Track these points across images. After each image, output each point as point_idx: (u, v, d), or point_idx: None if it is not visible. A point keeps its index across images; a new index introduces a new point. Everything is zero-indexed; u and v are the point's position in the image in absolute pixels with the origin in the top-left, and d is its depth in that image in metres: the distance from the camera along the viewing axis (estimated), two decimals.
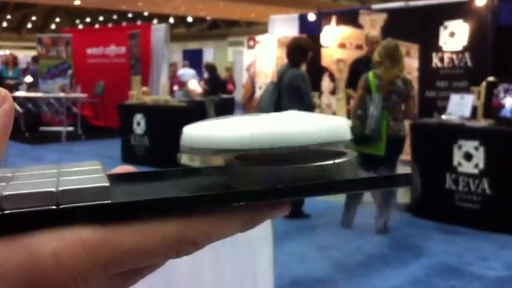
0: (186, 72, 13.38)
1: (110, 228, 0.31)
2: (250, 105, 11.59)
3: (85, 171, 0.34)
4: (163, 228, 0.32)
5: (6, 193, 0.29)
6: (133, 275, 0.34)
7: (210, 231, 0.33)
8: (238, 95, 13.93)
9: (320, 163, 0.35)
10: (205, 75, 13.39)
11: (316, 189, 0.34)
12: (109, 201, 0.31)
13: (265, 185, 0.33)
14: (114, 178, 0.35)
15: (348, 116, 5.68)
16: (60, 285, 0.29)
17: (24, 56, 19.03)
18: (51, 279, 0.29)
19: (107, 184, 0.31)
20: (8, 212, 0.29)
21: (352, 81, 6.06)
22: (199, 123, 0.37)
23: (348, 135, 0.37)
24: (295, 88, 5.11)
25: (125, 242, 0.31)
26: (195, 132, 0.36)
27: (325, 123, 0.36)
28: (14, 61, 13.13)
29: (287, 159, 0.35)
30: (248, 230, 0.36)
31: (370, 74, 4.82)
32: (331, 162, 0.35)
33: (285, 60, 5.67)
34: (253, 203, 0.33)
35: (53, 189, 0.30)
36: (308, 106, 5.10)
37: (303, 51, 5.27)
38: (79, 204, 0.30)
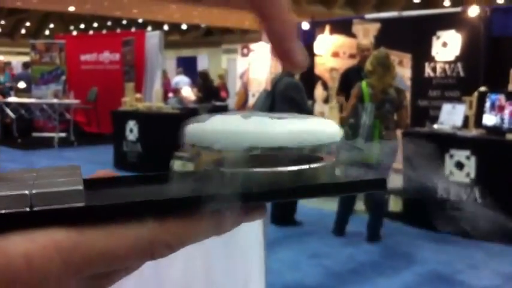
0: (181, 80, 13.39)
1: (84, 231, 0.31)
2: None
3: (62, 174, 0.34)
4: (137, 231, 0.32)
5: None
6: (108, 278, 0.34)
7: (184, 234, 0.34)
8: (232, 102, 13.94)
9: (295, 167, 0.35)
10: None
11: (289, 193, 0.34)
12: (82, 204, 0.31)
13: (240, 189, 0.33)
14: (93, 182, 0.36)
15: (341, 124, 5.70)
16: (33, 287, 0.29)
17: (18, 61, 18.98)
18: (23, 281, 0.29)
19: (81, 187, 0.31)
20: None
21: (342, 89, 6.08)
22: (200, 121, 0.38)
23: (337, 137, 0.38)
24: (288, 97, 5.12)
25: (98, 245, 0.31)
26: (194, 129, 0.37)
27: (316, 126, 0.37)
28: (2, 67, 13.14)
29: (263, 164, 0.35)
30: (223, 234, 0.36)
31: (364, 83, 4.85)
32: (307, 166, 0.35)
33: (279, 68, 5.68)
34: (227, 206, 0.34)
35: (27, 192, 0.30)
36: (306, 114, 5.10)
37: None
38: (52, 206, 0.30)
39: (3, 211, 0.29)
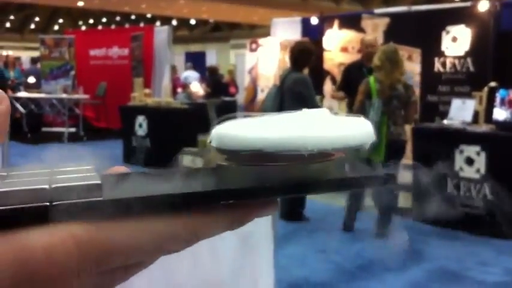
0: (191, 75, 13.40)
1: (102, 225, 0.31)
2: (252, 108, 11.59)
3: (77, 170, 0.35)
4: (153, 226, 0.32)
5: (1, 190, 0.30)
6: (123, 272, 0.35)
7: (198, 229, 0.34)
8: (240, 97, 13.94)
9: (306, 163, 0.35)
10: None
11: (300, 188, 0.35)
12: (100, 198, 0.31)
13: (252, 184, 0.34)
14: (108, 178, 0.36)
15: None
16: (51, 281, 0.29)
17: (27, 56, 19.09)
18: (42, 275, 0.29)
19: (99, 182, 0.31)
20: (1, 208, 0.29)
21: (344, 86, 6.03)
22: (230, 123, 0.38)
23: (367, 138, 0.38)
24: (297, 92, 5.11)
25: (116, 239, 0.31)
26: (224, 132, 0.37)
27: (350, 129, 0.38)
28: (13, 62, 13.22)
29: (275, 160, 0.35)
30: (237, 228, 0.36)
31: (371, 79, 4.82)
32: (317, 163, 0.36)
33: (288, 63, 5.66)
34: (240, 201, 0.34)
35: (46, 186, 0.30)
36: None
37: (309, 55, 5.28)
38: (71, 201, 0.30)
39: (23, 205, 0.30)
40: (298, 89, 5.11)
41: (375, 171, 0.37)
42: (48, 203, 0.30)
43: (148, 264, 0.36)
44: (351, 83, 5.51)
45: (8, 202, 0.29)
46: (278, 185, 0.34)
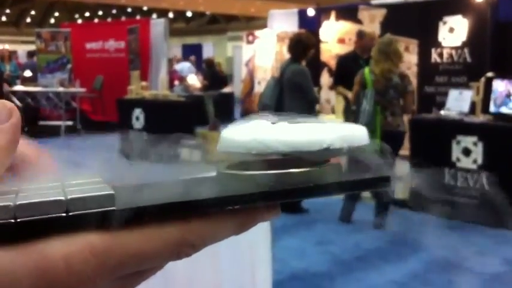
0: (184, 66, 13.37)
1: (116, 234, 0.32)
2: (249, 100, 11.58)
3: (88, 182, 0.36)
4: (165, 232, 0.33)
5: (19, 202, 0.30)
6: (135, 277, 0.36)
7: (207, 234, 0.35)
8: (237, 90, 13.92)
9: (305, 169, 0.37)
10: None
11: (301, 192, 0.37)
12: (114, 208, 0.32)
13: (258, 190, 0.36)
14: (118, 188, 0.37)
15: (345, 111, 5.68)
16: None
17: (23, 50, 19.01)
18: (62, 283, 0.30)
19: (112, 192, 0.33)
20: (21, 220, 0.30)
21: (340, 78, 6.02)
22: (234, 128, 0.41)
23: (360, 141, 0.40)
24: (296, 84, 5.12)
25: (131, 246, 0.32)
26: (227, 136, 0.40)
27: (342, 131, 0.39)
28: (9, 56, 13.18)
29: (276, 167, 0.37)
30: (242, 233, 0.38)
31: (366, 70, 4.84)
32: (316, 168, 0.37)
33: (285, 55, 5.67)
34: (245, 206, 0.36)
35: (62, 198, 0.31)
36: (311, 101, 5.18)
37: (304, 47, 5.27)
38: (87, 211, 0.32)
39: (42, 216, 0.31)
40: (297, 80, 5.12)
41: (374, 172, 0.39)
42: (64, 214, 0.31)
43: (159, 269, 0.38)
44: (346, 75, 5.52)
45: (27, 214, 0.30)
46: (281, 191, 0.36)
